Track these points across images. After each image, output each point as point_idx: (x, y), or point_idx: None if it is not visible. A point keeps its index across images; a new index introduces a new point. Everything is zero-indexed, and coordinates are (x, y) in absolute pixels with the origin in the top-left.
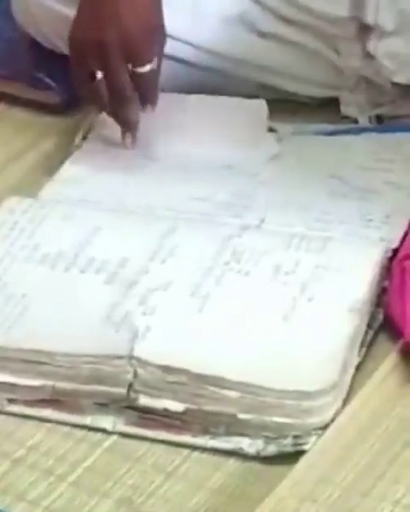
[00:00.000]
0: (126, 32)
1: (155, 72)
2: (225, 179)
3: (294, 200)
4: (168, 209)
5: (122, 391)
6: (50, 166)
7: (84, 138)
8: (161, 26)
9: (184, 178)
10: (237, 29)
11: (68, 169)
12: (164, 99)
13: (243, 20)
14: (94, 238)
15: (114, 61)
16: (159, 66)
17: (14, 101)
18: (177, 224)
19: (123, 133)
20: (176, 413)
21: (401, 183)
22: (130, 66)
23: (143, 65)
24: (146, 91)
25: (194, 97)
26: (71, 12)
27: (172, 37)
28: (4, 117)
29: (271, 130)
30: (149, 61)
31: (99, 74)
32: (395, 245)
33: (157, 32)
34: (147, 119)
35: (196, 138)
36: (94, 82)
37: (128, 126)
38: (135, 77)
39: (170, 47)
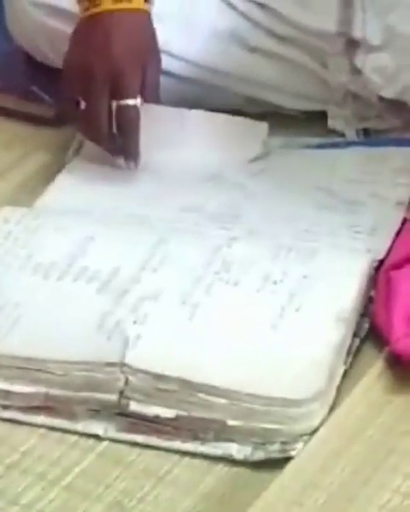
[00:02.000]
0: (114, 64)
1: (137, 111)
2: (216, 191)
3: (282, 211)
4: (159, 219)
5: (114, 397)
6: (46, 177)
7: (78, 150)
8: (155, 61)
9: (175, 190)
10: (227, 44)
11: (62, 180)
12: (163, 113)
13: (233, 36)
14: (86, 248)
15: (96, 91)
16: (155, 97)
17: (9, 113)
18: (168, 235)
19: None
20: (166, 419)
21: (387, 195)
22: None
23: (125, 98)
24: (126, 129)
25: (194, 113)
26: (64, 27)
27: (164, 52)
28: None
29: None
30: (134, 96)
31: (83, 104)
32: (381, 256)
33: (148, 66)
34: (144, 132)
35: (189, 152)
36: (77, 109)
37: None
38: (117, 111)
39: (162, 61)
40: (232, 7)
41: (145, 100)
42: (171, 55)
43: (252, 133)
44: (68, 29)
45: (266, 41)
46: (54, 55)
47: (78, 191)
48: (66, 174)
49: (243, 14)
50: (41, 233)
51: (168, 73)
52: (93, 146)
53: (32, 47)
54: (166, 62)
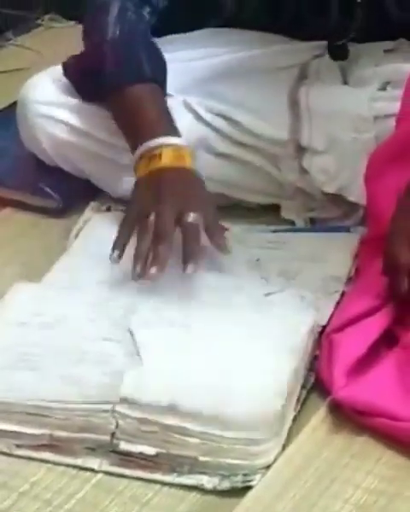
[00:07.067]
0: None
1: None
2: None
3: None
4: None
5: (107, 438)
6: (50, 258)
7: (77, 235)
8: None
9: None
10: (196, 150)
11: (65, 260)
12: None
13: (202, 144)
14: (81, 323)
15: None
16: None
17: (20, 206)
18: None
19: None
20: (149, 456)
21: (329, 272)
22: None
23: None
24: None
25: None
26: (65, 135)
27: None
28: (12, 219)
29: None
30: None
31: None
32: (324, 322)
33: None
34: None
35: None
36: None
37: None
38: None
39: None
40: (202, 120)
41: None
42: None
43: None
44: (68, 137)
45: (230, 148)
46: (57, 158)
47: (76, 269)
48: (67, 256)
49: (211, 126)
50: (47, 302)
51: None
52: (86, 235)
53: (39, 151)
54: None
